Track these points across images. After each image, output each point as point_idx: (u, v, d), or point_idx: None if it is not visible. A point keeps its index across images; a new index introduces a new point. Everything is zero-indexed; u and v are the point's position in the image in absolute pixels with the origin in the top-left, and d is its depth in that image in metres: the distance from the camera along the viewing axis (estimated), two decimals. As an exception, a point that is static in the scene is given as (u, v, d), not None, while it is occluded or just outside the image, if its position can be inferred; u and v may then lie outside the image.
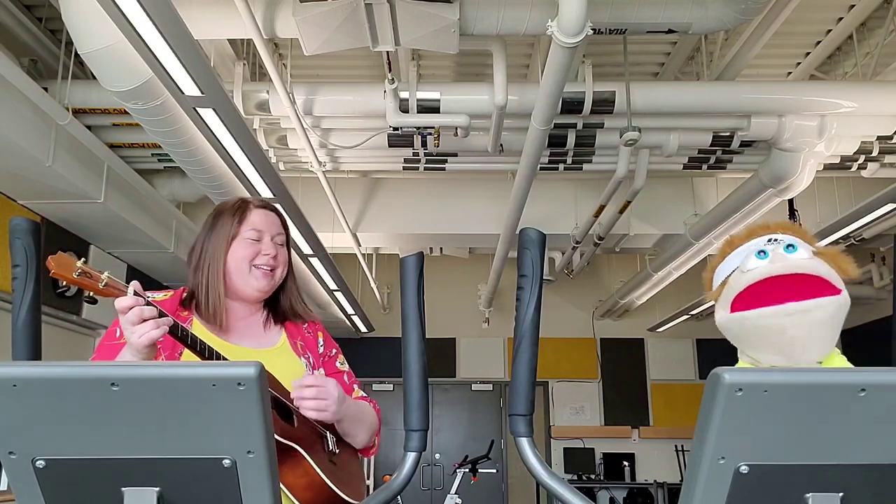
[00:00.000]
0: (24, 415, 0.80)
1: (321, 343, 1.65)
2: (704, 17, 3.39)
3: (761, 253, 1.19)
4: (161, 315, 1.28)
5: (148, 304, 1.27)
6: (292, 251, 1.67)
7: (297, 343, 1.59)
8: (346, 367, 1.67)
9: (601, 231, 5.70)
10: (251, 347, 1.52)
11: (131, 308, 1.25)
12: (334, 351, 1.67)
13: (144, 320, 1.25)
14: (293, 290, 1.62)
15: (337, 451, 1.49)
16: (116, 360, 1.33)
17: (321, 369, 1.60)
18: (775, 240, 1.22)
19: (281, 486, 1.35)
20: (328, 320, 7.60)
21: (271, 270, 1.53)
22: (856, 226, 4.80)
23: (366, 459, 1.66)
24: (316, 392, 1.40)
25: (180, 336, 1.32)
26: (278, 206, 1.69)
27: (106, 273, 1.26)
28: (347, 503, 1.45)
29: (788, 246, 1.19)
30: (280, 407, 1.41)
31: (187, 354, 1.43)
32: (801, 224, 5.51)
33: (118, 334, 1.42)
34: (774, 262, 1.17)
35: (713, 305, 1.31)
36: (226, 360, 1.39)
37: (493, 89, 3.80)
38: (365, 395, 1.67)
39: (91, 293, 1.26)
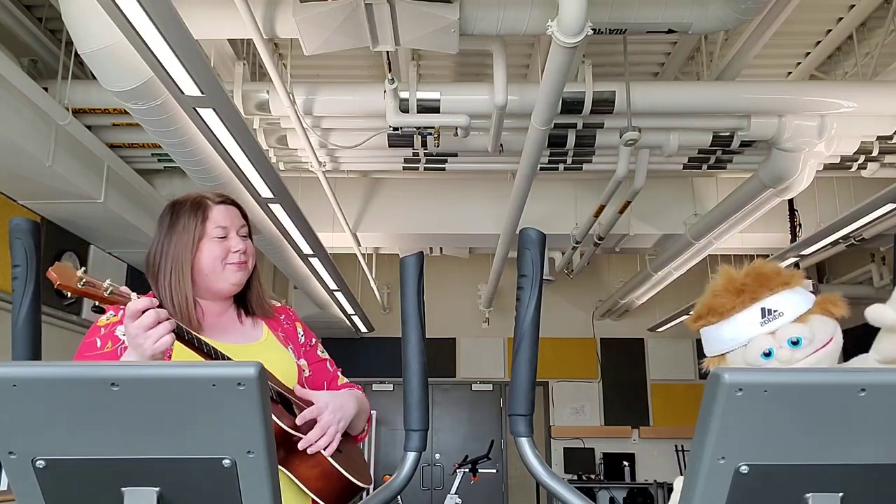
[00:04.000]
0: (24, 415, 0.80)
1: (301, 333, 1.66)
2: (704, 17, 3.39)
3: (766, 354, 1.21)
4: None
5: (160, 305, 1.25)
6: (290, 260, 1.67)
7: (279, 335, 1.60)
8: (326, 355, 1.69)
9: (601, 231, 5.70)
10: (238, 343, 1.52)
11: (146, 310, 1.22)
12: (314, 340, 1.69)
13: (160, 323, 1.22)
14: (258, 283, 1.60)
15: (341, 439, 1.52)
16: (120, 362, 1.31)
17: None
18: (770, 311, 1.22)
19: (294, 479, 1.37)
20: (328, 320, 7.62)
21: (244, 263, 1.52)
22: (856, 226, 4.80)
23: (365, 457, 1.67)
24: (320, 430, 1.40)
25: (187, 339, 1.30)
26: (279, 211, 1.68)
27: (108, 280, 1.23)
28: (358, 487, 1.46)
29: (792, 341, 1.20)
30: (283, 402, 1.42)
31: (177, 355, 1.41)
32: (800, 224, 5.52)
33: (99, 345, 1.40)
34: (782, 363, 1.19)
35: None
36: (229, 359, 1.38)
37: (493, 89, 3.80)
38: (348, 381, 1.69)
39: (96, 301, 1.23)
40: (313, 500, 1.43)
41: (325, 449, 1.40)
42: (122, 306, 1.24)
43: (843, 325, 1.25)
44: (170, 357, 1.41)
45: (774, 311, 1.22)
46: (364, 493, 1.45)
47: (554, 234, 5.89)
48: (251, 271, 1.56)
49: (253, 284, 1.58)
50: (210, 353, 1.34)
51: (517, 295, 1.18)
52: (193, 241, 1.47)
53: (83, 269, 1.20)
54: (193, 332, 1.34)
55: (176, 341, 1.30)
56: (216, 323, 1.54)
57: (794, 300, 1.23)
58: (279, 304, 1.69)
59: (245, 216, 1.58)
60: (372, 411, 8.52)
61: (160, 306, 1.40)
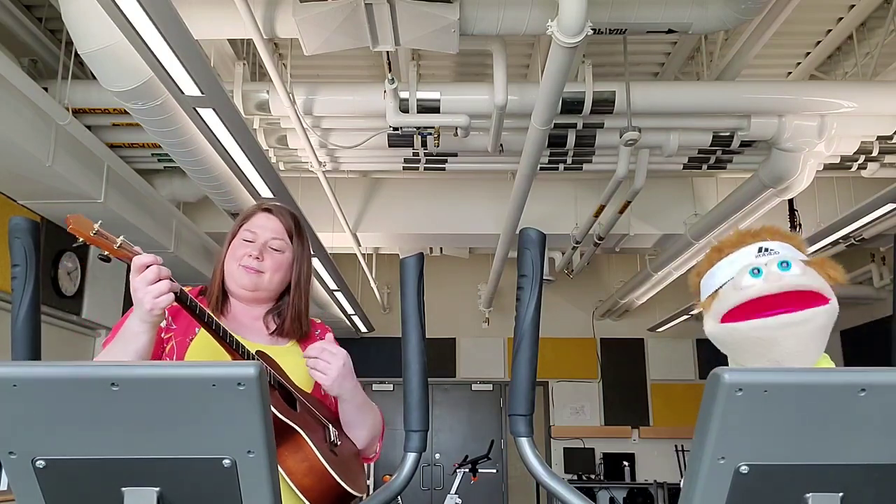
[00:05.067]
0: (24, 415, 0.80)
1: None
2: (704, 17, 3.39)
3: (755, 271, 1.19)
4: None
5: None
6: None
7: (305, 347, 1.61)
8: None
9: (601, 231, 5.70)
10: (258, 342, 1.53)
11: (149, 265, 1.27)
12: None
13: (161, 279, 1.27)
14: (295, 304, 1.58)
15: (339, 443, 1.50)
16: (121, 333, 1.33)
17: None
18: (766, 249, 1.21)
19: (279, 470, 1.35)
20: (328, 320, 7.61)
21: (257, 271, 1.53)
22: (856, 226, 4.80)
23: (364, 470, 1.65)
24: (319, 352, 1.43)
25: (189, 305, 1.32)
26: (291, 211, 1.67)
27: (121, 237, 1.29)
28: (348, 493, 1.43)
29: (782, 263, 1.18)
30: (284, 393, 1.43)
31: (197, 342, 1.45)
32: (800, 224, 5.52)
33: None
34: (769, 282, 1.17)
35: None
36: (231, 336, 1.39)
37: (493, 89, 3.80)
38: (371, 403, 1.68)
39: (105, 252, 1.27)
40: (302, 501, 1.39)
41: (314, 372, 1.42)
42: (128, 260, 1.29)
43: (842, 326, 1.24)
44: (195, 334, 1.46)
45: (771, 250, 1.21)
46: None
47: (554, 234, 5.89)
48: (272, 286, 1.55)
49: (288, 302, 1.57)
50: (211, 324, 1.35)
51: (517, 295, 1.18)
52: (229, 239, 1.57)
53: (100, 222, 1.26)
54: (197, 302, 1.35)
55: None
56: (245, 322, 1.57)
57: (792, 249, 1.23)
58: (317, 321, 1.70)
59: (290, 232, 1.58)
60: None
61: (202, 290, 1.53)
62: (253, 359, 1.39)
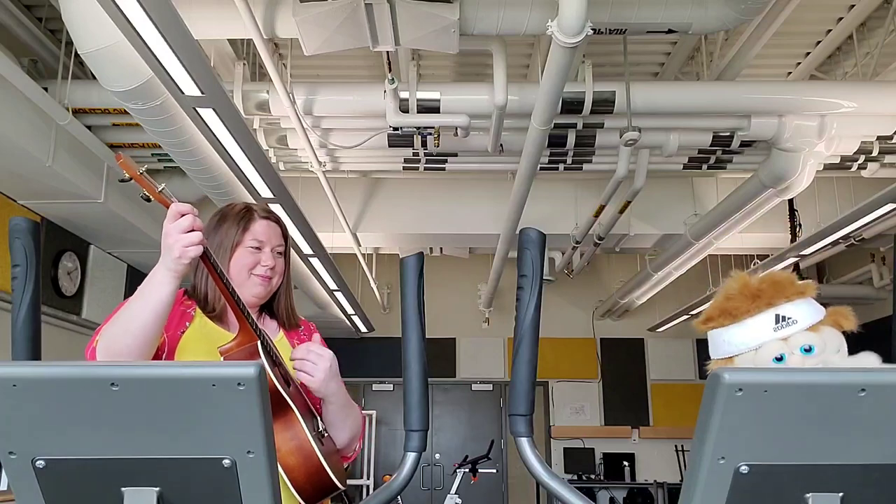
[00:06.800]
0: (24, 415, 0.80)
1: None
2: (704, 17, 3.39)
3: (778, 359, 1.22)
4: None
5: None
6: (292, 262, 1.70)
7: (294, 342, 1.65)
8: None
9: (601, 231, 5.70)
10: None
11: (185, 214, 1.28)
12: None
13: (194, 230, 1.28)
14: (287, 298, 1.67)
15: (325, 435, 1.51)
16: (142, 286, 1.34)
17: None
18: (784, 318, 1.23)
19: None
20: (328, 320, 7.62)
21: (269, 279, 1.58)
22: (856, 226, 4.80)
23: (364, 460, 1.67)
24: (306, 353, 1.46)
25: (212, 262, 1.35)
26: (280, 211, 1.71)
27: (164, 184, 1.32)
28: (331, 482, 1.43)
29: (805, 348, 1.22)
30: (283, 372, 1.46)
31: (188, 335, 1.48)
32: (800, 224, 5.52)
33: None
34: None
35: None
36: (244, 306, 1.41)
37: (493, 89, 3.80)
38: (353, 403, 1.71)
39: (147, 192, 1.31)
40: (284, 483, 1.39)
41: (301, 374, 1.45)
42: (166, 205, 1.32)
43: (842, 326, 1.26)
44: (186, 328, 1.48)
45: (789, 319, 1.24)
46: (344, 495, 1.44)
47: (554, 234, 5.89)
48: (276, 287, 1.62)
49: (281, 298, 1.65)
50: (228, 286, 1.38)
51: (517, 295, 1.18)
52: (231, 245, 1.57)
53: (146, 167, 1.30)
54: (221, 268, 1.37)
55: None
56: (236, 322, 1.57)
57: (808, 310, 1.25)
58: (301, 318, 1.75)
59: (285, 236, 1.65)
60: (372, 412, 8.54)
61: (192, 294, 1.54)
62: (258, 332, 1.42)
